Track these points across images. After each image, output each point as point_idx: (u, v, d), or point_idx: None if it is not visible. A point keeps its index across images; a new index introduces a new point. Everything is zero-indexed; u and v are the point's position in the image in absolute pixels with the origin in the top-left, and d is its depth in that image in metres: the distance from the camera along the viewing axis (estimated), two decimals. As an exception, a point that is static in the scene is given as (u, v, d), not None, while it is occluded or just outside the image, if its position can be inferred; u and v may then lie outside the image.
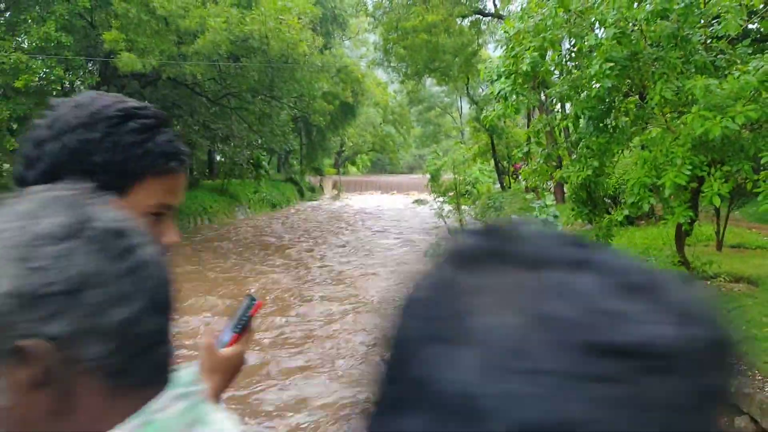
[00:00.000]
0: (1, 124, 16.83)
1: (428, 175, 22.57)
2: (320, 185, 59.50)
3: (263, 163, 41.00)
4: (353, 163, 79.64)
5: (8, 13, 19.33)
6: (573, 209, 9.38)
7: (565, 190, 17.32)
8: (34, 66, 16.40)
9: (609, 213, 9.68)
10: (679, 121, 7.17)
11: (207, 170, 43.97)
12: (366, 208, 43.91)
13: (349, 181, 64.59)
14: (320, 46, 21.56)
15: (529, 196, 24.06)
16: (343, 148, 67.23)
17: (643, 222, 14.37)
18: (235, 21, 17.10)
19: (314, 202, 50.14)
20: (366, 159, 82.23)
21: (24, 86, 16.18)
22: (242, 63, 19.86)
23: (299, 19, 18.52)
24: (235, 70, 20.57)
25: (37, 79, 17.49)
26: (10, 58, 16.03)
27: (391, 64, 32.69)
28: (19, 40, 18.34)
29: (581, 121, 8.58)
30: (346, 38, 52.28)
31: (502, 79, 8.74)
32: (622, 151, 8.74)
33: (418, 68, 30.03)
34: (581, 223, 14.62)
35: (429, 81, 45.66)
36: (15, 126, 20.42)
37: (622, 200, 13.84)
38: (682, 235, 8.89)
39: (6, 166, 18.79)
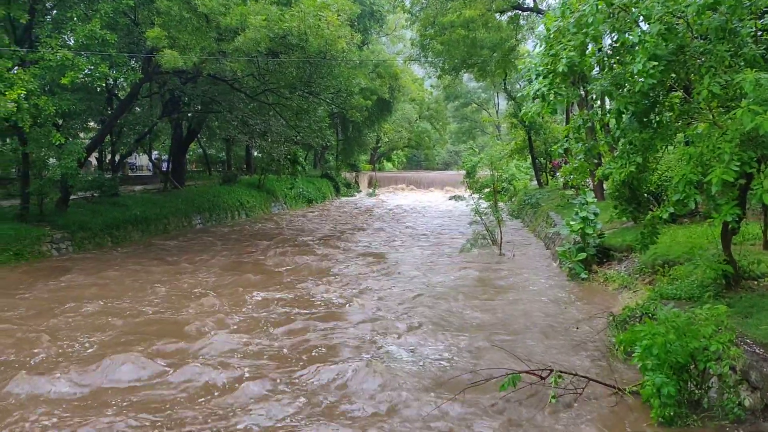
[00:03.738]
0: (47, 119, 17.27)
1: (464, 172, 22.44)
2: (356, 181, 59.69)
3: (300, 158, 41.32)
4: (389, 159, 79.62)
5: (54, 11, 19.84)
6: (615, 207, 9.20)
7: (606, 187, 17.02)
8: (80, 63, 16.79)
9: (652, 210, 9.49)
10: (726, 116, 6.98)
11: (244, 165, 44.58)
12: (402, 204, 43.91)
13: (384, 177, 64.66)
14: (358, 43, 21.57)
15: (568, 192, 23.75)
16: (379, 144, 67.25)
17: (686, 220, 14.04)
18: (274, 18, 17.22)
19: (350, 198, 50.41)
20: (402, 155, 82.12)
21: (70, 83, 16.55)
22: (281, 59, 20.02)
23: (338, 15, 18.55)
24: (274, 67, 20.74)
25: (82, 75, 17.90)
26: (56, 56, 16.45)
27: (428, 60, 32.53)
28: (65, 37, 18.80)
29: (624, 116, 8.42)
30: (384, 34, 52.24)
31: (540, 78, 8.64)
32: (667, 147, 8.53)
33: (455, 64, 29.85)
34: (623, 221, 14.38)
35: (466, 76, 45.33)
36: (61, 121, 20.97)
37: (666, 197, 13.56)
38: (728, 234, 8.65)
39: (52, 160, 19.30)
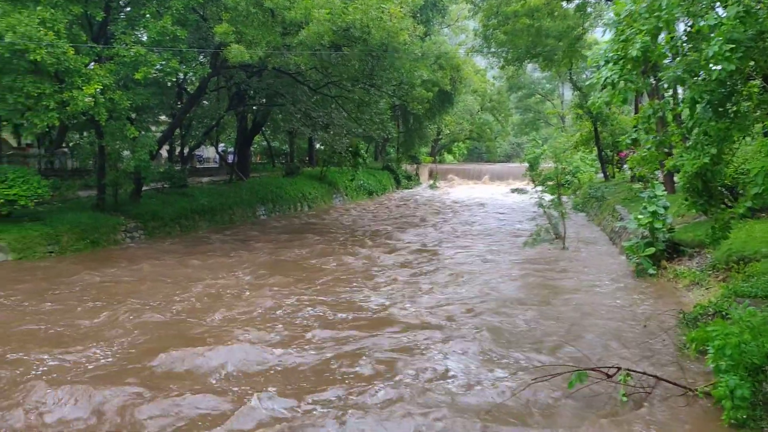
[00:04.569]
0: (122, 113, 18.00)
1: (526, 164, 22.06)
2: (416, 173, 59.59)
3: (361, 151, 41.58)
4: (449, 151, 79.03)
5: (128, 8, 20.62)
6: (686, 199, 8.86)
7: (676, 179, 16.41)
8: (152, 59, 17.41)
9: (725, 204, 9.11)
10: (811, 106, 6.61)
11: (307, 158, 45.25)
12: (462, 197, 43.60)
13: (445, 170, 64.30)
14: (420, 35, 21.48)
15: (636, 186, 23.02)
16: (440, 136, 66.87)
17: (764, 214, 13.39)
18: (338, 11, 17.35)
19: (411, 191, 50.40)
20: (462, 147, 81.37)
21: (143, 78, 17.21)
22: (344, 52, 20.16)
23: (401, 7, 18.54)
24: (337, 60, 20.92)
25: (154, 71, 18.56)
26: (130, 52, 17.12)
27: (491, 50, 32.04)
28: (138, 34, 19.53)
29: (698, 106, 8.08)
30: (446, 25, 51.79)
31: (610, 65, 8.36)
32: (744, 137, 8.14)
33: (519, 54, 29.26)
34: (695, 215, 13.84)
35: (530, 67, 44.46)
36: (134, 115, 21.79)
37: (742, 191, 12.94)
38: (810, 229, 8.21)
39: (126, 153, 20.13)
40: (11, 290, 12.42)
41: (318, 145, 41.95)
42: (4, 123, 19.05)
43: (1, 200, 16.08)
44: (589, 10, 28.01)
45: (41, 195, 17.03)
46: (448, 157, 79.40)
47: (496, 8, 26.91)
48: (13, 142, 29.87)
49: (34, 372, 7.91)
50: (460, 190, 51.42)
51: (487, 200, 40.01)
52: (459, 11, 50.06)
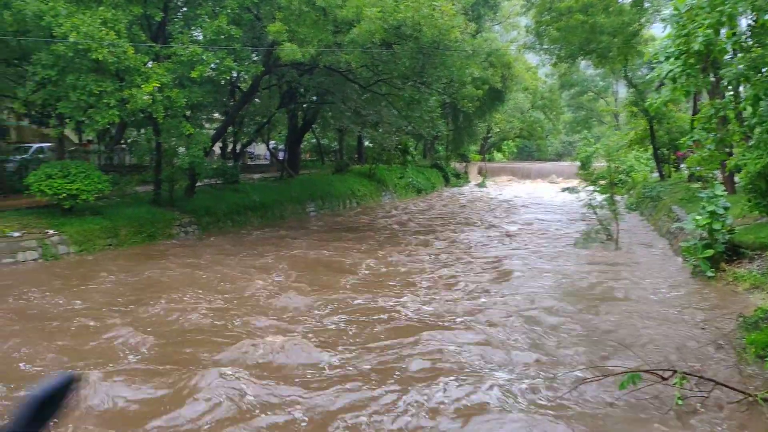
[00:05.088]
0: (177, 111, 18.48)
1: (578, 163, 21.67)
2: (465, 171, 59.23)
3: (410, 148, 41.54)
4: (499, 150, 78.22)
5: (185, 8, 21.16)
6: (749, 200, 8.57)
7: (738, 179, 15.87)
8: (208, 57, 17.84)
9: (790, 206, 8.77)
10: None
11: (356, 155, 45.51)
12: (511, 195, 43.07)
13: (494, 168, 63.73)
14: (472, 32, 21.33)
15: (694, 185, 22.31)
16: (490, 134, 66.23)
17: (831, 217, 12.82)
18: (389, 9, 17.41)
19: (459, 189, 50.09)
20: (512, 145, 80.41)
21: (198, 76, 17.65)
22: (394, 50, 20.19)
23: (452, 4, 18.46)
24: (387, 57, 20.97)
25: (209, 69, 19.00)
26: (186, 51, 17.59)
27: (544, 47, 31.50)
28: (195, 33, 20.01)
29: (762, 103, 7.82)
30: (497, 22, 51.26)
31: (671, 60, 8.15)
32: (812, 136, 7.83)
33: (572, 50, 28.72)
34: (756, 217, 13.34)
35: (583, 64, 43.57)
36: (189, 113, 22.35)
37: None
38: None
39: (181, 149, 20.67)
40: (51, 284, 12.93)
41: (367, 143, 42.14)
42: (67, 120, 19.76)
43: (64, 194, 16.72)
44: (646, 5, 27.32)
45: (101, 190, 17.62)
46: (498, 156, 78.58)
47: (549, 4, 26.48)
48: (75, 139, 31.01)
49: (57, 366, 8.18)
50: (509, 189, 50.84)
51: (537, 199, 39.45)
52: (511, 7, 49.45)
